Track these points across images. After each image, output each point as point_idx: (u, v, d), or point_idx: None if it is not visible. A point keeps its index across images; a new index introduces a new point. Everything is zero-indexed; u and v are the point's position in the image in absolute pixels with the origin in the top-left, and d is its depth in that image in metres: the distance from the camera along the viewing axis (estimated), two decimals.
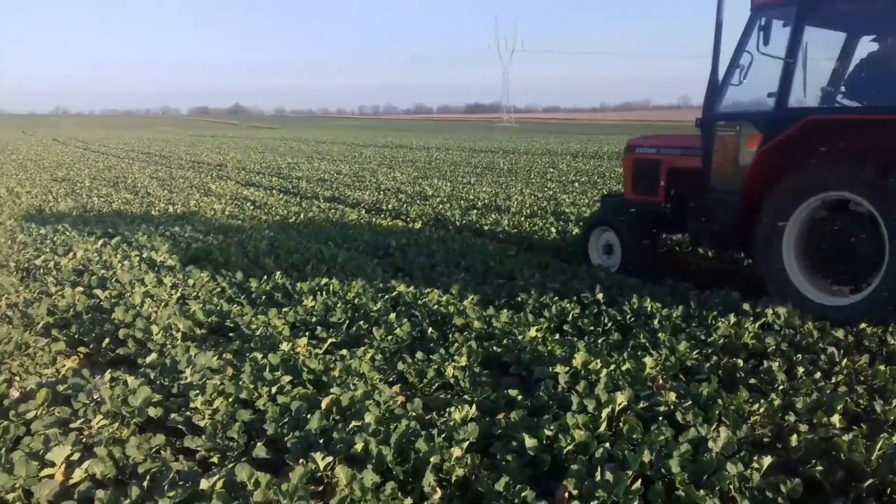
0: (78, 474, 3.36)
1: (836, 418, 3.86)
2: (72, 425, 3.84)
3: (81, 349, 5.39)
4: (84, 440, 3.76)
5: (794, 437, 3.63)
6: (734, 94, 6.74)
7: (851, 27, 6.68)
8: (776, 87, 6.20)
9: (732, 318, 5.51)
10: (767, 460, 3.30)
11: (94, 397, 4.07)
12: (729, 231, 6.75)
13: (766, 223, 6.14)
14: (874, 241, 5.52)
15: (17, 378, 4.57)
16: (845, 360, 4.63)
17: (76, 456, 3.48)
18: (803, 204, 5.90)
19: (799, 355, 4.82)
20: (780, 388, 4.29)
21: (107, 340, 5.34)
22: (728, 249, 7.69)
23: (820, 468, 3.32)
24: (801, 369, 4.55)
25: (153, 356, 4.92)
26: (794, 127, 5.83)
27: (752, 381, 4.42)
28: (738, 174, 6.59)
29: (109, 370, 4.66)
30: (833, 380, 4.42)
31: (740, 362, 4.69)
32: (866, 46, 6.52)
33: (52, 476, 3.34)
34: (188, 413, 3.97)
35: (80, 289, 6.72)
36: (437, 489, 3.25)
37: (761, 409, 3.88)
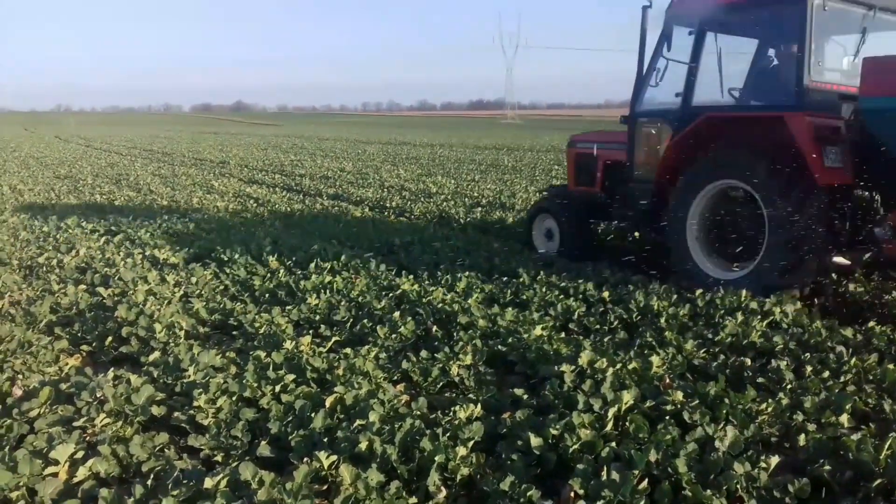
0: (82, 473, 3.35)
1: (844, 418, 3.84)
2: (75, 424, 3.83)
3: (84, 347, 5.38)
4: (87, 438, 3.75)
5: (802, 436, 3.61)
6: (652, 95, 7.67)
7: (745, 34, 7.54)
8: (682, 88, 7.19)
9: (740, 317, 5.48)
10: (775, 460, 3.28)
11: (98, 396, 4.06)
12: (646, 216, 7.69)
13: (672, 209, 7.05)
14: (758, 224, 6.34)
15: (21, 376, 4.56)
16: (854, 360, 4.60)
17: (80, 454, 3.47)
18: (702, 192, 6.81)
19: (807, 354, 4.79)
20: (788, 387, 4.26)
21: (110, 339, 5.32)
22: (646, 233, 8.29)
23: (828, 468, 3.30)
24: (809, 368, 4.52)
25: (156, 354, 4.91)
26: (694, 123, 6.79)
27: (760, 380, 4.39)
28: (654, 166, 7.47)
29: (112, 368, 4.65)
30: (841, 379, 4.39)
31: (748, 361, 4.66)
32: (758, 51, 7.50)
33: (55, 474, 3.33)
34: (192, 411, 3.95)
35: (83, 287, 6.70)
36: (442, 488, 3.23)
37: (769, 409, 3.85)
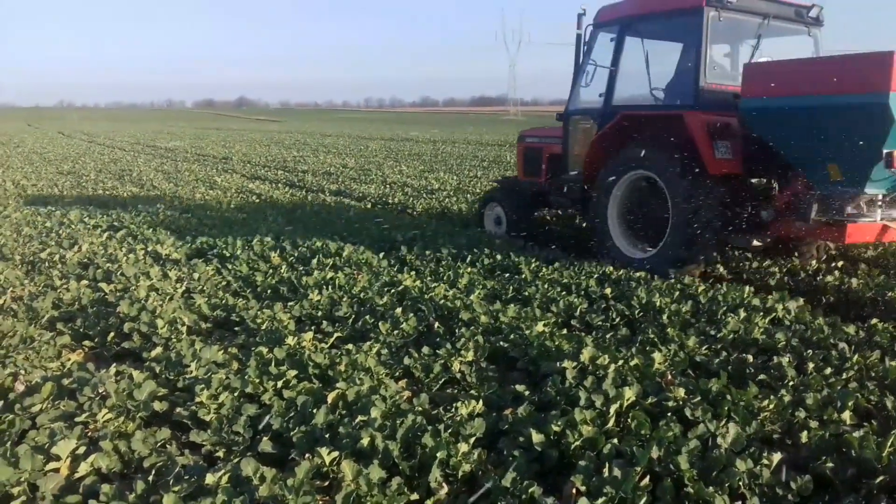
0: (83, 468, 3.35)
1: (846, 415, 3.82)
2: (77, 419, 3.83)
3: (87, 343, 5.38)
4: (89, 434, 3.75)
5: (805, 433, 3.59)
6: (582, 95, 8.64)
7: (659, 38, 8.30)
8: (606, 87, 8.15)
9: (742, 314, 5.48)
10: (777, 457, 3.28)
11: (100, 391, 4.06)
12: (577, 203, 8.77)
13: (596, 196, 8.00)
14: (664, 209, 7.22)
15: (23, 372, 4.55)
16: (856, 356, 4.58)
17: (81, 450, 3.47)
18: (619, 181, 7.73)
19: (809, 351, 4.77)
20: (791, 384, 4.25)
21: (112, 334, 5.33)
22: (579, 219, 9.67)
23: (830, 465, 3.29)
24: (811, 365, 4.51)
25: (158, 350, 4.91)
26: (613, 121, 7.73)
27: (762, 376, 4.38)
28: (584, 158, 8.37)
29: (115, 364, 4.66)
30: (844, 376, 4.38)
31: (750, 358, 4.65)
32: (665, 56, 8.18)
33: (57, 470, 3.33)
34: (193, 407, 3.95)
35: (85, 282, 6.70)
36: (444, 484, 3.23)
37: (771, 406, 3.84)
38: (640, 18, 8.02)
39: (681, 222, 7.00)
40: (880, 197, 6.55)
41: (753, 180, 7.41)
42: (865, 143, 5.94)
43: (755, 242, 7.31)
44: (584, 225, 9.67)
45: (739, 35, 7.96)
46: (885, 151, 5.85)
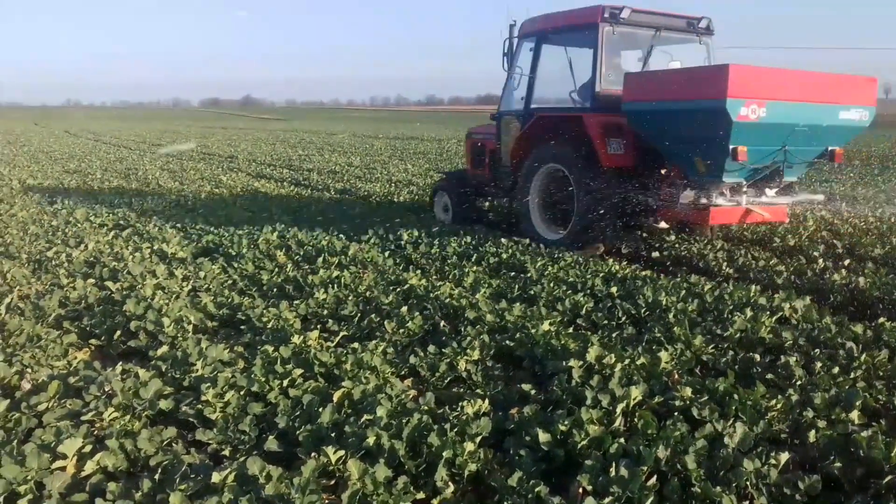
0: (90, 466, 3.35)
1: (854, 414, 3.80)
2: (83, 417, 3.84)
3: (93, 341, 5.38)
4: (95, 432, 3.75)
5: (812, 433, 3.57)
6: (511, 97, 9.79)
7: (567, 48, 9.26)
8: (525, 91, 9.33)
9: (749, 313, 5.45)
10: (785, 456, 3.25)
11: (106, 390, 4.07)
12: (508, 192, 9.89)
13: (520, 186, 9.24)
14: (571, 197, 8.42)
15: (29, 370, 4.57)
16: (864, 355, 4.55)
17: (88, 448, 3.47)
18: (537, 173, 8.97)
19: (817, 350, 4.75)
20: (798, 383, 4.23)
21: (118, 333, 5.33)
22: (509, 205, 10.55)
23: (838, 465, 3.28)
24: (818, 364, 4.48)
25: (164, 349, 4.91)
26: (531, 121, 8.95)
27: (769, 376, 4.36)
28: (511, 153, 9.55)
29: (121, 362, 4.66)
30: (852, 375, 4.36)
31: (757, 357, 4.63)
32: (572, 64, 9.13)
33: (63, 468, 3.33)
34: (199, 406, 3.95)
35: (91, 281, 6.72)
36: (450, 483, 3.23)
37: (778, 405, 3.82)
38: (552, 31, 9.15)
39: (583, 208, 8.23)
40: (745, 184, 7.59)
41: (642, 172, 8.31)
42: (716, 140, 6.98)
43: (662, 224, 8.95)
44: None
45: (632, 45, 8.99)
46: (731, 147, 6.90)
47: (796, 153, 7.42)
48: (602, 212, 8.10)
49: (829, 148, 7.74)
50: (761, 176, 7.61)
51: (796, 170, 7.86)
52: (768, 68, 7.08)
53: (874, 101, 7.75)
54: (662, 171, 8.24)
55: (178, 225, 10.00)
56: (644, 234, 9.33)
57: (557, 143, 8.61)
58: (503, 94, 9.95)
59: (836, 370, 4.40)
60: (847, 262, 7.62)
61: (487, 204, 11.60)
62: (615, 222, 8.27)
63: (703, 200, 7.53)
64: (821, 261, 7.68)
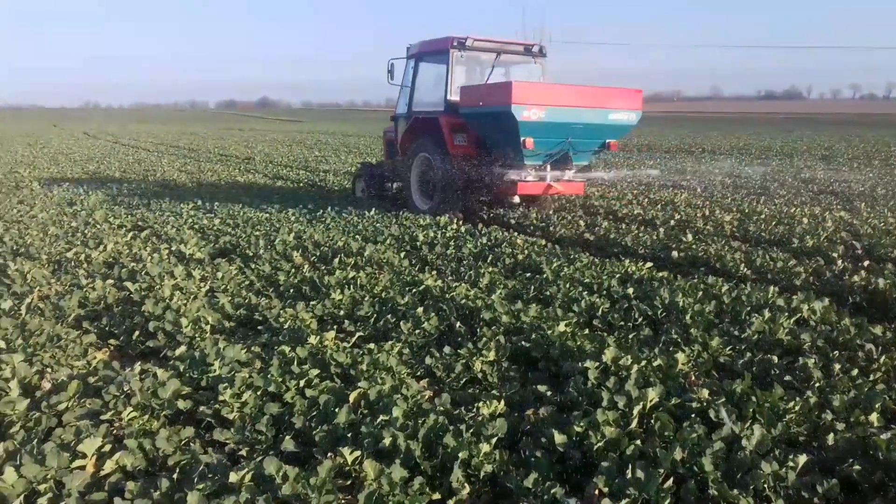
0: (108, 466, 3.38)
1: (874, 416, 3.77)
2: (102, 417, 3.88)
3: (112, 341, 5.44)
4: (115, 432, 3.79)
5: (831, 435, 3.55)
6: (402, 103, 12.54)
7: (434, 65, 11.99)
8: (408, 99, 12.25)
9: (767, 314, 5.41)
10: (803, 459, 3.23)
11: (125, 389, 4.10)
12: (401, 176, 12.72)
13: (407, 170, 12.13)
14: (435, 177, 11.29)
15: (49, 370, 4.62)
16: (884, 357, 4.52)
17: (107, 448, 3.50)
18: (414, 160, 11.87)
19: (835, 352, 4.72)
20: (816, 385, 4.20)
21: (137, 333, 5.38)
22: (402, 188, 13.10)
23: (857, 468, 3.25)
24: (837, 366, 4.45)
25: (182, 349, 4.95)
26: (411, 121, 11.97)
27: (787, 378, 4.34)
28: (403, 147, 12.48)
29: (139, 362, 4.70)
30: (871, 377, 4.32)
31: (775, 359, 4.60)
32: (436, 79, 11.74)
33: (83, 467, 3.36)
34: (217, 406, 3.98)
35: (110, 281, 6.77)
36: (466, 485, 3.23)
37: (797, 407, 3.79)
38: (423, 54, 12.07)
39: (441, 185, 11.19)
40: (547, 167, 10.58)
41: (479, 158, 10.92)
42: (512, 135, 9.98)
43: (515, 199, 11.22)
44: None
45: (477, 64, 12.04)
46: (521, 139, 9.92)
47: (579, 144, 10.49)
48: (454, 190, 11.12)
49: (607, 140, 10.78)
50: (555, 160, 10.60)
51: (583, 156, 10.91)
52: (546, 84, 11.12)
53: (640, 106, 10.69)
54: (492, 157, 10.81)
55: (196, 226, 10.05)
56: (502, 209, 11.90)
57: (425, 138, 11.67)
58: (398, 100, 12.71)
59: (855, 372, 4.36)
60: (866, 262, 7.55)
61: (395, 186, 13.83)
62: (464, 194, 11.26)
63: (515, 178, 10.33)
64: (840, 262, 7.62)
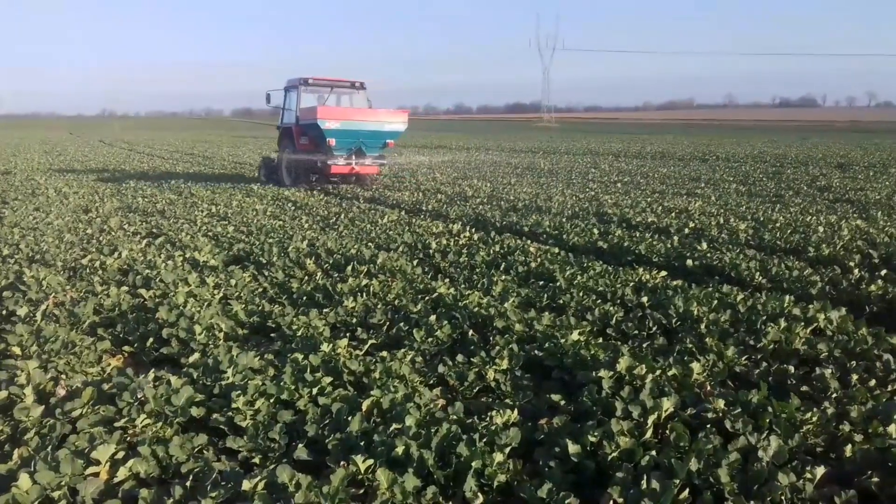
0: (122, 473, 3.39)
1: (892, 428, 3.71)
2: (116, 424, 3.89)
3: (126, 348, 5.46)
4: (128, 439, 3.80)
5: (849, 446, 3.51)
6: (282, 117, 18.76)
7: (293, 94, 17.99)
8: (281, 115, 18.85)
9: (783, 323, 5.36)
10: (821, 471, 3.19)
11: (139, 396, 4.11)
12: (280, 170, 18.64)
13: (281, 164, 18.49)
14: (290, 165, 18.43)
15: (64, 376, 4.64)
16: None
17: (120, 454, 3.51)
18: (281, 154, 18.55)
19: (853, 362, 4.66)
20: (834, 395, 4.16)
21: (151, 340, 5.40)
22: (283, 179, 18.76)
23: (876, 480, 3.21)
24: (855, 376, 4.40)
25: (196, 356, 4.96)
26: (281, 130, 18.89)
27: (804, 388, 4.29)
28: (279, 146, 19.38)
29: (153, 369, 4.71)
30: (889, 388, 4.27)
31: (791, 369, 4.55)
32: (298, 101, 17.64)
33: (96, 474, 3.37)
34: (230, 413, 3.98)
35: (125, 288, 6.81)
36: (479, 494, 3.21)
37: (814, 418, 3.75)
38: (288, 87, 18.28)
39: (292, 170, 18.00)
40: (352, 156, 16.58)
41: (315, 152, 17.06)
42: (323, 137, 16.10)
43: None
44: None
45: (318, 93, 18.14)
46: (327, 139, 16.04)
47: (368, 143, 16.88)
48: (300, 171, 18.00)
49: (386, 141, 17.30)
50: (354, 152, 16.74)
51: (373, 151, 17.13)
52: (342, 108, 17.83)
53: (405, 121, 17.36)
54: (319, 151, 16.90)
55: (210, 233, 10.09)
56: (329, 185, 18.16)
57: (287, 140, 18.29)
58: (281, 115, 18.82)
59: (872, 383, 4.31)
60: (883, 272, 7.47)
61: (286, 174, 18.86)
62: (307, 176, 18.08)
63: (330, 163, 16.52)
64: (856, 270, 7.54)
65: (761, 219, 11.40)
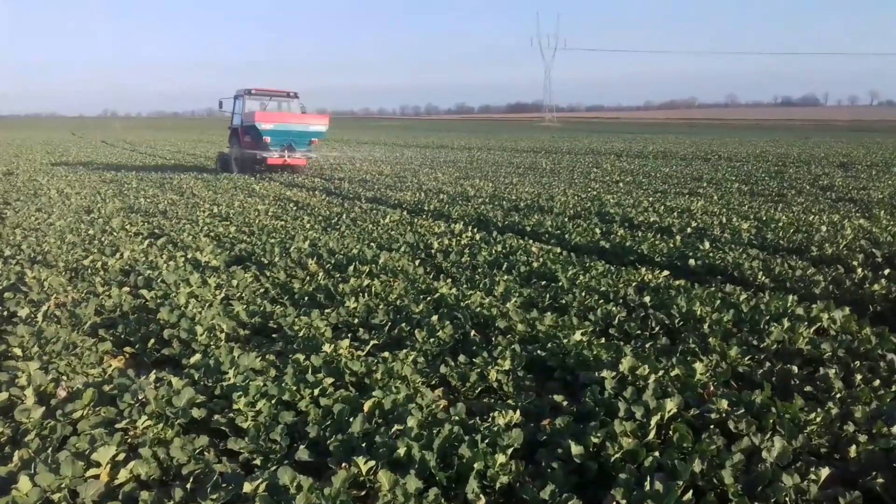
0: (123, 475, 3.38)
1: None
2: (117, 425, 3.87)
3: (127, 349, 5.45)
4: (129, 440, 3.78)
5: (853, 447, 3.49)
6: (233, 119, 23.99)
7: (240, 101, 23.47)
8: (231, 118, 24.31)
9: (786, 323, 5.34)
10: (825, 472, 3.18)
11: (140, 398, 4.10)
12: (230, 162, 24.05)
13: (231, 157, 24.02)
14: (238, 158, 23.74)
15: (65, 377, 4.63)
16: None
17: (121, 456, 3.50)
18: (232, 149, 24.14)
19: (857, 362, 4.64)
20: (838, 396, 4.14)
21: (152, 341, 5.39)
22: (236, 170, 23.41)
23: (880, 480, 3.19)
24: (859, 377, 4.38)
25: (197, 357, 4.95)
26: (231, 130, 24.44)
27: (808, 388, 4.27)
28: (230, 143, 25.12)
29: (154, 370, 4.70)
30: (893, 388, 4.24)
31: (795, 369, 4.53)
32: (244, 106, 22.97)
33: (97, 476, 3.36)
34: (231, 414, 3.97)
35: (126, 289, 6.81)
36: (481, 496, 3.19)
37: (818, 418, 3.73)
38: (236, 96, 23.09)
39: (239, 161, 22.93)
40: (285, 150, 21.75)
41: (257, 148, 21.87)
42: (259, 135, 21.44)
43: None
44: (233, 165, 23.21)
45: (261, 101, 22.92)
46: (263, 137, 21.35)
47: (297, 141, 21.96)
48: (245, 162, 22.37)
49: (312, 139, 22.43)
50: (286, 147, 21.57)
51: (301, 147, 22.08)
52: (276, 113, 22.87)
53: (327, 123, 23.26)
54: (258, 147, 21.66)
55: (212, 234, 10.08)
56: (272, 174, 21.72)
57: (234, 138, 23.02)
58: (231, 118, 23.50)
59: (876, 383, 4.29)
60: (887, 271, 7.44)
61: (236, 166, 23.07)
62: (251, 166, 22.25)
63: (266, 156, 21.39)
64: (860, 270, 7.52)
65: (764, 218, 11.36)
